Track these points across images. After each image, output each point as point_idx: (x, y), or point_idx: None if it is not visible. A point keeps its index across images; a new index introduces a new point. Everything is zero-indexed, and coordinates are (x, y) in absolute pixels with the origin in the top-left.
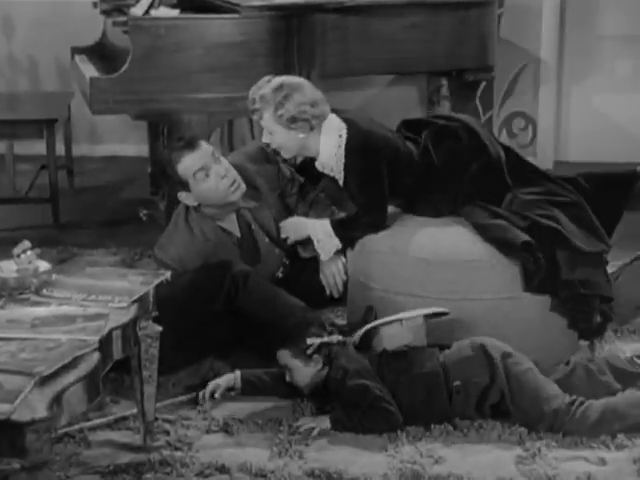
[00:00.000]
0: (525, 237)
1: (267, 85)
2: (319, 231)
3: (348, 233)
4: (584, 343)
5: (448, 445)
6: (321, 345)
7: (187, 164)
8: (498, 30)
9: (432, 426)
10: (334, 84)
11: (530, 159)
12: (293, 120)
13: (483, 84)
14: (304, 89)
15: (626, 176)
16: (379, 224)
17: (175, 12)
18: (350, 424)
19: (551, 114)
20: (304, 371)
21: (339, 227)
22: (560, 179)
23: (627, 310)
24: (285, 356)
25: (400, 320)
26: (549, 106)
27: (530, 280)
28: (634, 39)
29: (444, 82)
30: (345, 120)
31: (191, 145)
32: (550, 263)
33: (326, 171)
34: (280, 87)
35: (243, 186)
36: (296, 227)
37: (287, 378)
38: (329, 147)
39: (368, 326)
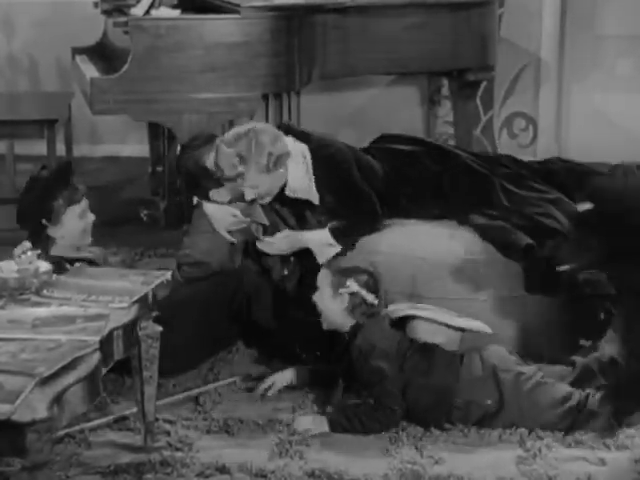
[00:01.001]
0: (527, 240)
1: (231, 144)
2: (317, 242)
3: (349, 238)
4: (585, 343)
5: (448, 445)
6: (355, 294)
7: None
8: (498, 30)
9: (432, 427)
10: (335, 84)
11: (531, 160)
12: (277, 161)
13: (484, 84)
14: (265, 128)
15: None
16: (376, 221)
17: (176, 12)
18: (349, 425)
19: (552, 114)
20: (328, 301)
21: (339, 234)
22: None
23: None
24: (325, 276)
25: (446, 325)
26: (550, 106)
27: (532, 282)
28: (634, 39)
29: (445, 82)
30: (302, 137)
31: (211, 139)
32: (550, 263)
33: (298, 195)
34: (245, 134)
35: None
36: (290, 241)
37: (314, 297)
38: (297, 171)
39: (412, 312)
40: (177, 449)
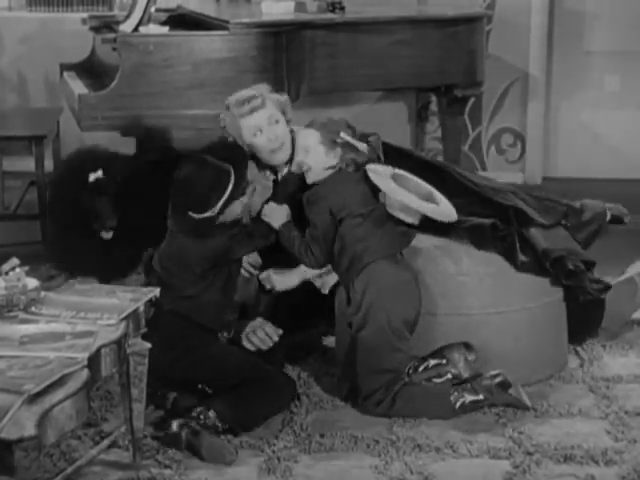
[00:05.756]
0: (489, 221)
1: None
2: (309, 273)
3: None
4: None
5: (437, 461)
6: (347, 143)
7: None
8: (487, 46)
9: (422, 441)
10: (322, 100)
11: (519, 175)
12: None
13: (472, 100)
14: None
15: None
16: None
17: (164, 29)
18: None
19: (540, 130)
20: (321, 158)
21: None
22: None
23: (616, 326)
24: (313, 136)
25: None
26: (538, 122)
27: (513, 259)
28: (622, 55)
29: (433, 98)
30: None
31: None
32: (522, 242)
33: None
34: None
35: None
36: (282, 279)
37: (297, 160)
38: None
39: (386, 187)
40: (166, 466)
